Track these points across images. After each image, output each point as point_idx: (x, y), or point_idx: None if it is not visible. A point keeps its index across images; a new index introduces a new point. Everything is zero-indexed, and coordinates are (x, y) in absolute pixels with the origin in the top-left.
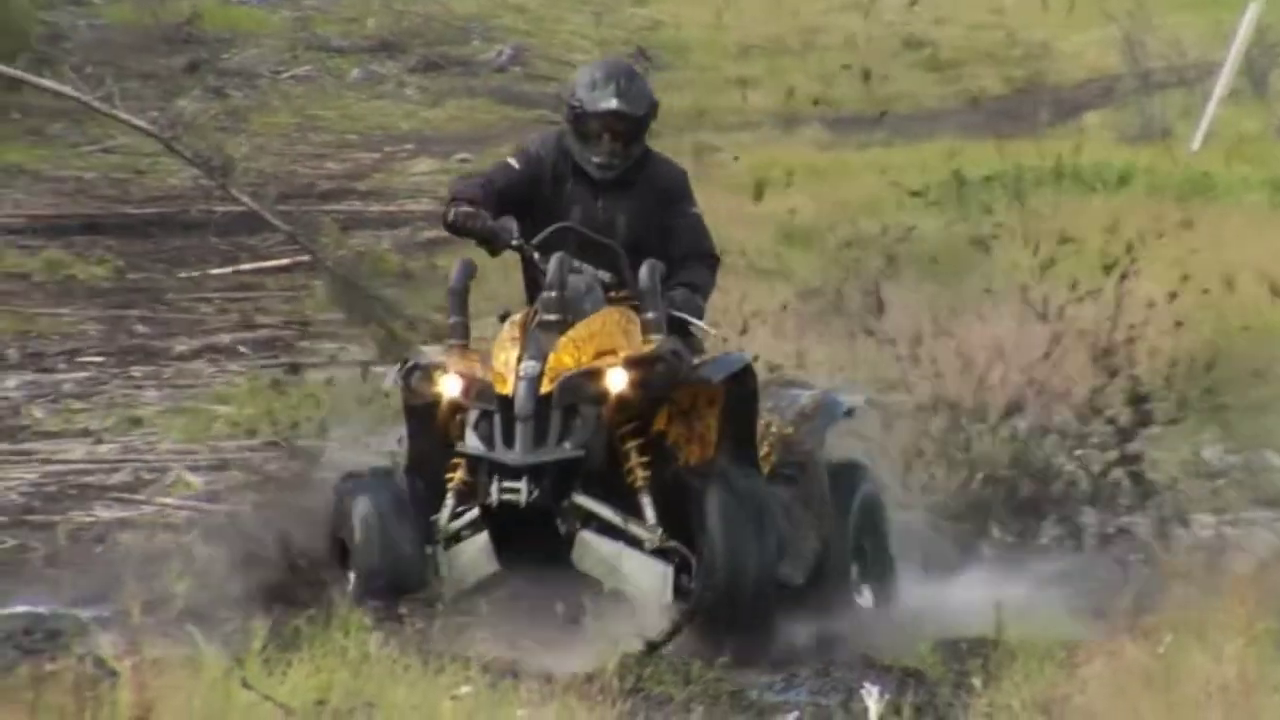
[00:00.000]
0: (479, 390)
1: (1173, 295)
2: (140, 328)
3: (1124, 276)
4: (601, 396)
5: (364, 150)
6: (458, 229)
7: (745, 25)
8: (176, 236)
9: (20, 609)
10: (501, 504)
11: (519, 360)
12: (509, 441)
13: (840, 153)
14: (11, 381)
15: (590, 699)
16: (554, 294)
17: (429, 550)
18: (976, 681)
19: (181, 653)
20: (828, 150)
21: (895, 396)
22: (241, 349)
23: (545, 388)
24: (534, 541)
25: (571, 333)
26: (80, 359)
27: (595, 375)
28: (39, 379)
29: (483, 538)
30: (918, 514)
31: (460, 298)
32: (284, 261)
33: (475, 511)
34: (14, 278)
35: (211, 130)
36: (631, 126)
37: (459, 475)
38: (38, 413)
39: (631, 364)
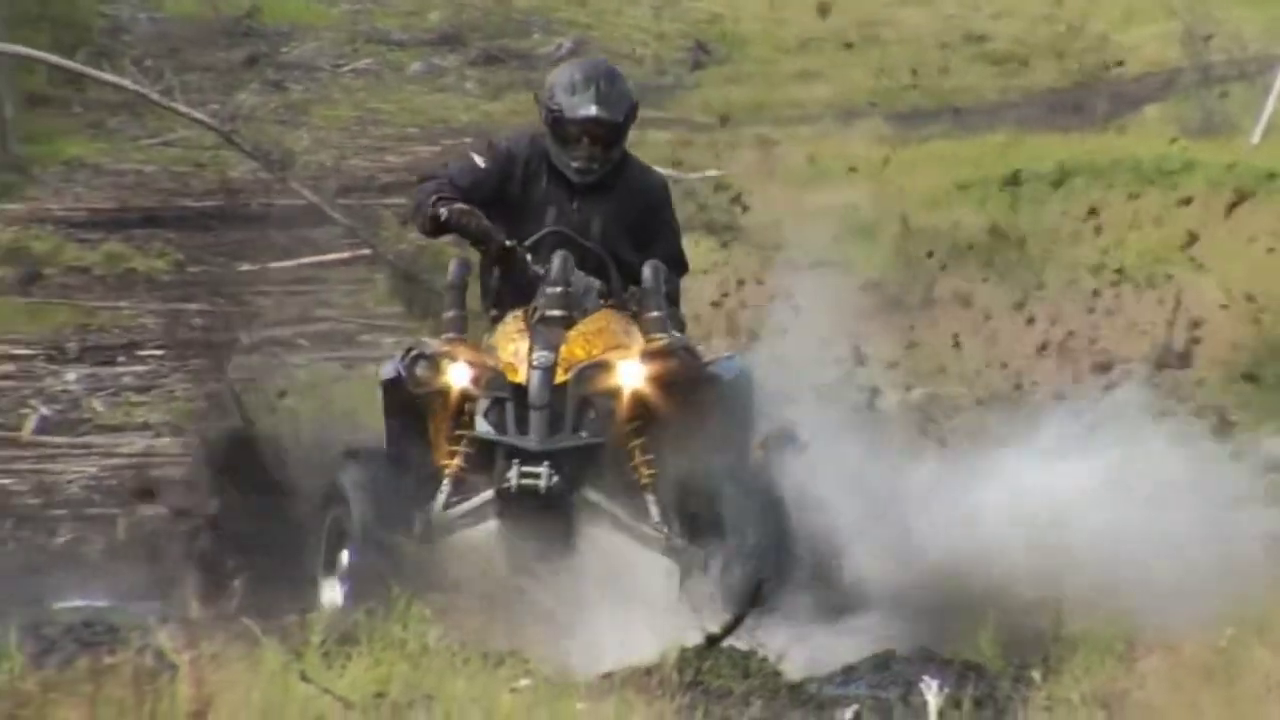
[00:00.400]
0: (490, 378)
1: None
2: (200, 321)
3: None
4: (616, 389)
5: (424, 143)
6: (451, 227)
7: (805, 19)
8: (236, 230)
9: (79, 603)
10: (521, 489)
11: (530, 351)
12: (523, 429)
13: (900, 146)
14: (71, 375)
15: (649, 692)
16: (559, 290)
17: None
18: (1036, 675)
19: (240, 647)
20: (887, 144)
21: (950, 388)
22: (301, 342)
23: (560, 378)
24: (541, 532)
25: (580, 327)
26: (140, 352)
27: (610, 367)
28: (98, 372)
29: (491, 525)
30: None
31: (459, 292)
32: (344, 255)
33: (476, 499)
34: (74, 271)
35: (271, 124)
36: (611, 131)
37: (456, 463)
38: (98, 406)
39: (647, 357)
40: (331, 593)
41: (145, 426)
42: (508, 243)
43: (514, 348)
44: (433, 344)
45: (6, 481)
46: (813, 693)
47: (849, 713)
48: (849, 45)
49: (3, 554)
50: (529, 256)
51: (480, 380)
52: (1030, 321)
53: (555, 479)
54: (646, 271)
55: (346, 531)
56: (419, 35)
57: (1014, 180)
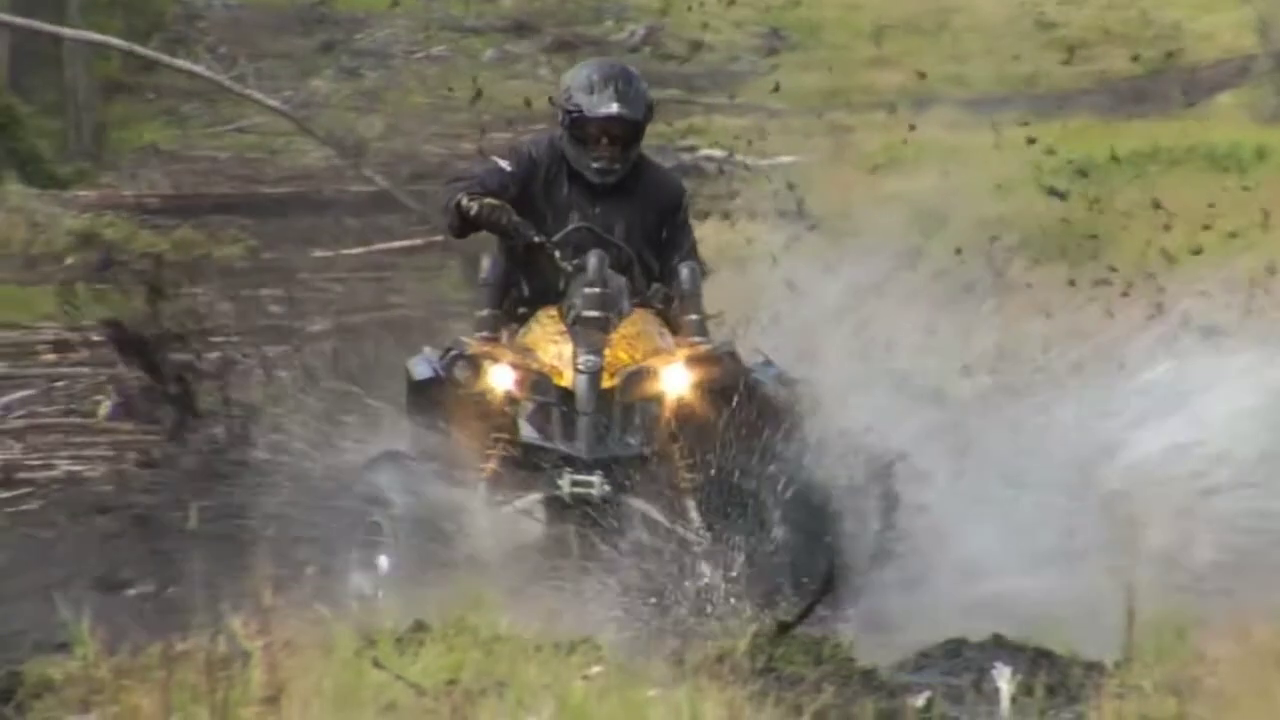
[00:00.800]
0: (535, 382)
1: None
2: (273, 307)
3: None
4: (661, 394)
5: (497, 130)
6: (481, 222)
7: (878, 5)
8: (310, 216)
9: (152, 588)
10: (574, 497)
11: (574, 354)
12: (569, 435)
13: (972, 133)
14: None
15: (721, 679)
16: (597, 290)
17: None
18: (1108, 662)
19: (313, 633)
20: (959, 130)
21: (1021, 373)
22: (374, 329)
23: (607, 383)
24: (586, 536)
25: (622, 329)
26: (213, 339)
27: (655, 373)
28: (172, 359)
29: (536, 528)
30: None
31: (495, 291)
32: (417, 241)
33: (521, 503)
34: (148, 257)
35: (345, 110)
36: (631, 130)
37: (491, 466)
38: (170, 392)
39: (692, 362)
40: (363, 588)
41: (215, 413)
42: (536, 238)
43: (556, 350)
44: (470, 344)
45: (79, 468)
46: (885, 679)
47: (921, 699)
48: (922, 32)
49: (75, 539)
50: (556, 253)
51: (524, 384)
52: (1106, 307)
53: (608, 488)
54: (684, 272)
55: (384, 533)
56: (492, 22)
57: (1088, 167)
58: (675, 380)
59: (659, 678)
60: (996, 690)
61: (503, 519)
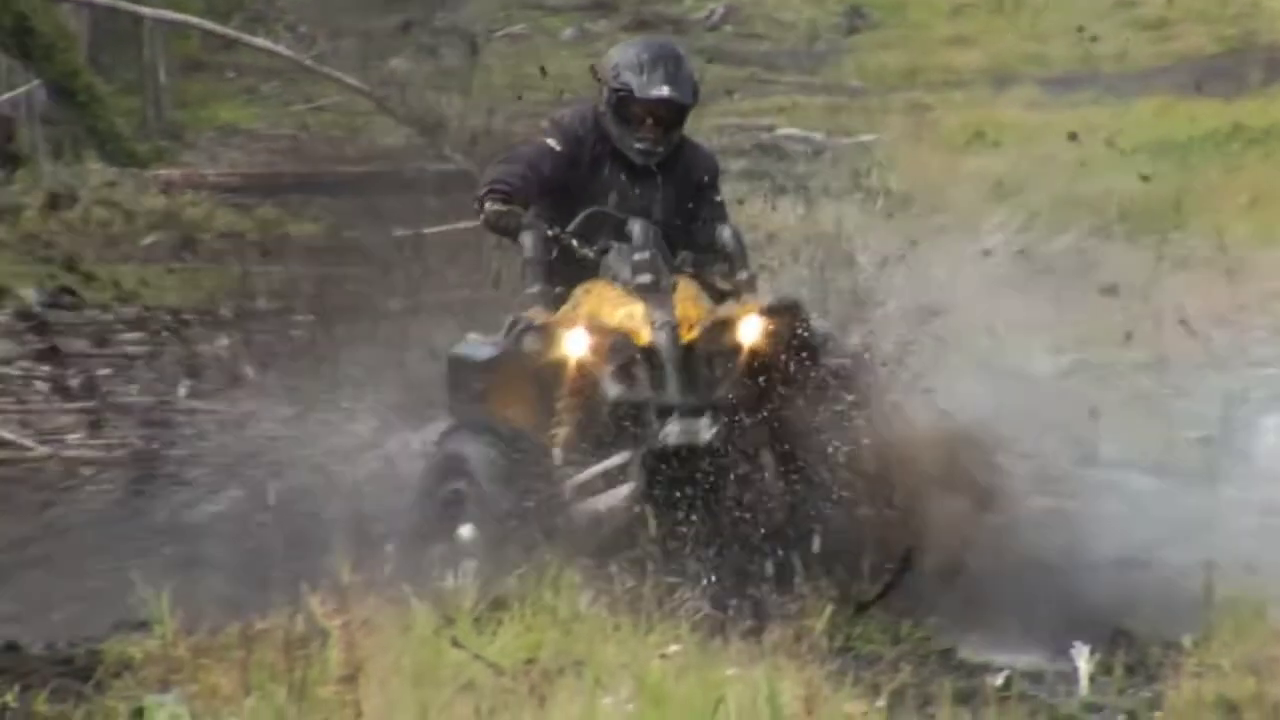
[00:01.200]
0: (615, 343)
1: None
2: (352, 286)
3: None
4: (738, 345)
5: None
6: (491, 228)
7: None
8: (389, 195)
9: (228, 568)
10: (680, 445)
11: (646, 313)
12: (660, 388)
13: (1051, 111)
14: (224, 340)
15: (799, 658)
16: (647, 255)
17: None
18: (1186, 641)
19: (392, 612)
20: (1038, 109)
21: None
22: (454, 307)
23: (686, 336)
24: (675, 492)
25: (679, 291)
26: (292, 317)
27: (732, 323)
28: (251, 337)
29: (626, 489)
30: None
31: (542, 266)
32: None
33: (608, 463)
34: (228, 236)
35: (424, 89)
36: (679, 113)
37: (563, 433)
38: (249, 371)
39: (767, 313)
40: (444, 565)
41: (296, 390)
42: (549, 233)
43: (624, 312)
44: (535, 316)
45: (156, 447)
46: (962, 658)
47: (1000, 678)
48: (1001, 10)
49: (150, 520)
50: (574, 242)
51: (602, 347)
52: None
53: (714, 431)
54: (726, 234)
55: (466, 505)
56: (571, 1)
57: (1168, 146)
58: (751, 330)
59: (737, 657)
60: (1075, 669)
61: (584, 487)
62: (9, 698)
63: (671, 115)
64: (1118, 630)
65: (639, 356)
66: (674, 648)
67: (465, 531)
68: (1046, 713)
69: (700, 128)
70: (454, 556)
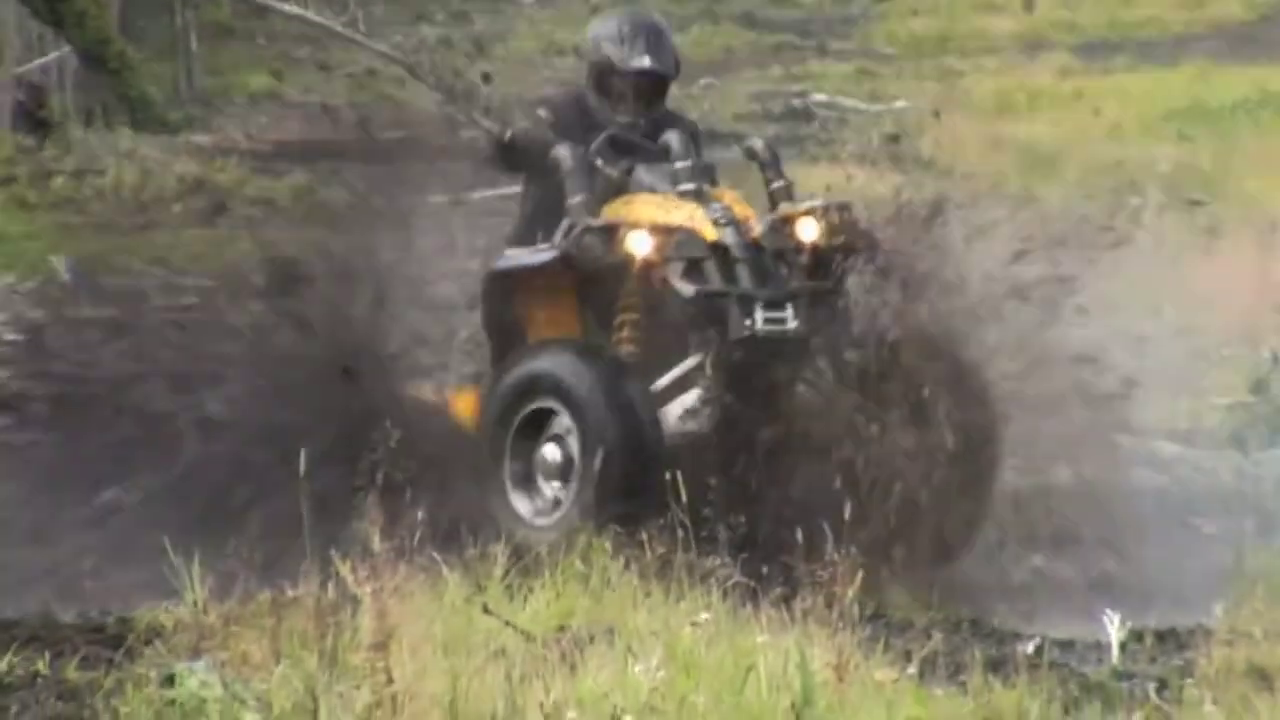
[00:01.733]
0: (682, 241)
1: None
2: (385, 254)
3: None
4: (799, 243)
5: None
6: (516, 150)
7: None
8: (421, 162)
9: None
10: (768, 333)
11: (706, 212)
12: (734, 282)
13: (1084, 78)
14: (257, 307)
15: (830, 625)
16: (689, 163)
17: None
18: (1218, 609)
19: (423, 579)
20: (1071, 76)
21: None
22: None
23: (753, 233)
24: (751, 389)
25: (727, 195)
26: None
27: (794, 220)
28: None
29: (695, 392)
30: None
31: (584, 175)
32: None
33: (681, 368)
34: (259, 203)
35: (457, 56)
36: (660, 85)
37: (630, 335)
38: (280, 341)
39: (823, 212)
40: (523, 505)
41: (326, 359)
42: (567, 151)
43: (684, 213)
44: (591, 219)
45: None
46: (994, 626)
47: (1031, 645)
48: None
49: (184, 488)
50: (599, 160)
51: (666, 246)
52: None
53: (799, 321)
54: (759, 144)
55: (550, 424)
56: None
57: (1199, 112)
58: (809, 229)
59: (768, 624)
60: (1107, 637)
61: (663, 394)
62: (40, 665)
63: (653, 87)
64: (1147, 597)
65: (706, 254)
66: (705, 615)
67: (548, 451)
68: (1077, 681)
69: (734, 94)
70: (529, 478)
